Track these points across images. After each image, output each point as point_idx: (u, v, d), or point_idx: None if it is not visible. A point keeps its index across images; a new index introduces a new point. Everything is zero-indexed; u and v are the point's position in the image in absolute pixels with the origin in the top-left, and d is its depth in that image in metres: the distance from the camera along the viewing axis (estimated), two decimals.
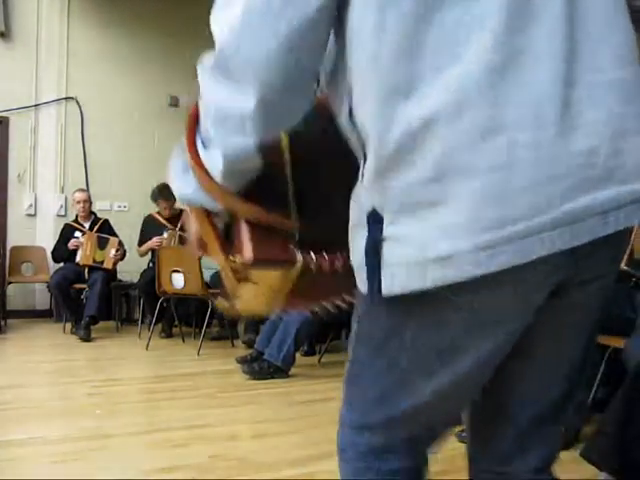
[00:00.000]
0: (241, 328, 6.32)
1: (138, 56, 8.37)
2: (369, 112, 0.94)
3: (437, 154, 0.89)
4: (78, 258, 6.73)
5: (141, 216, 7.09)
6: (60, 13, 8.04)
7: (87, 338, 6.18)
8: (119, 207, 8.20)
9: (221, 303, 1.25)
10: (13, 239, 7.74)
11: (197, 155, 1.09)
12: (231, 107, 1.00)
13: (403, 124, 0.90)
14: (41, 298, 7.84)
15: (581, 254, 0.94)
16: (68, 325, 6.68)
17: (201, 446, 3.07)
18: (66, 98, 8.09)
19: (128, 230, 7.27)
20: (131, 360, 5.48)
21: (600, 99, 0.93)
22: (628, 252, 3.05)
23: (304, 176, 1.14)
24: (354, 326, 1.14)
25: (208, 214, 1.16)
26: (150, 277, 6.21)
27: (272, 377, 4.59)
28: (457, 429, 3.22)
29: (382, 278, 0.97)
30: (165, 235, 6.59)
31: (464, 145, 0.88)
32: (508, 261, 0.89)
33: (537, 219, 0.88)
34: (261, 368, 4.60)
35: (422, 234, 0.92)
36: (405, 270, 0.94)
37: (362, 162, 1.00)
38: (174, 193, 1.19)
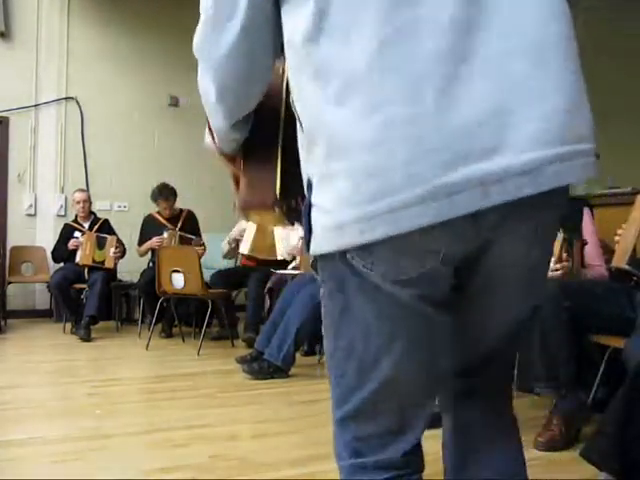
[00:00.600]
0: (241, 328, 6.32)
1: (138, 56, 8.37)
2: (292, 91, 1.11)
3: (330, 133, 0.99)
4: (78, 258, 6.73)
5: (141, 216, 7.09)
6: (60, 13, 8.04)
7: (87, 338, 6.18)
8: (119, 207, 8.21)
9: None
10: (13, 239, 7.74)
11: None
12: (205, 94, 1.27)
13: (310, 106, 1.04)
14: (41, 298, 7.84)
15: (486, 223, 0.98)
16: (68, 325, 6.68)
17: (201, 446, 3.07)
18: (66, 98, 8.09)
19: (128, 230, 7.28)
20: (131, 360, 5.48)
21: (494, 71, 0.94)
22: (630, 252, 3.05)
23: (289, 132, 1.27)
24: (323, 319, 1.18)
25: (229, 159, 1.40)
26: (150, 277, 6.21)
27: (272, 377, 4.58)
28: None
29: (313, 242, 1.08)
30: (165, 235, 6.58)
31: (350, 124, 0.96)
32: (385, 232, 0.95)
33: (410, 192, 0.93)
34: (261, 368, 4.60)
35: (326, 204, 1.02)
36: (320, 234, 1.05)
37: (301, 131, 1.12)
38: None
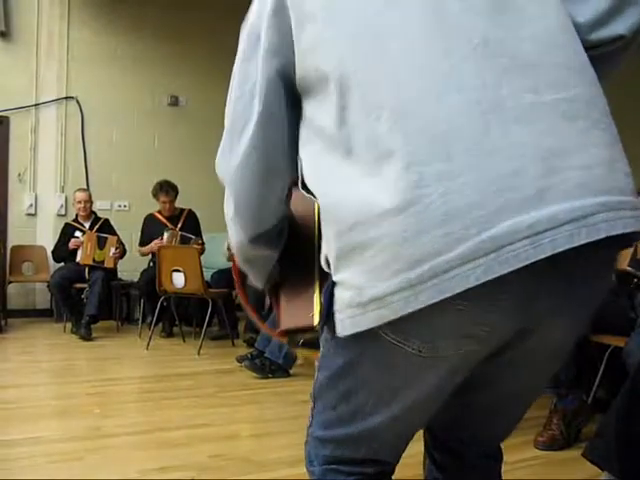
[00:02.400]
0: (241, 327, 6.32)
1: (138, 55, 8.37)
2: (308, 177, 1.11)
3: (356, 206, 0.96)
4: (78, 258, 6.73)
5: (141, 215, 7.08)
6: (60, 12, 8.03)
7: (88, 337, 6.17)
8: (119, 206, 8.20)
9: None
10: (13, 238, 7.74)
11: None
12: (225, 211, 1.24)
13: (332, 184, 1.02)
14: (41, 297, 7.83)
15: (538, 277, 0.91)
16: (68, 324, 6.67)
17: (201, 446, 3.07)
18: (66, 98, 8.08)
19: (129, 229, 7.27)
20: (131, 359, 5.48)
21: (530, 120, 0.91)
22: (632, 252, 3.05)
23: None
24: (321, 348, 1.18)
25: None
26: (150, 276, 6.21)
27: (273, 375, 4.58)
28: None
29: (335, 320, 1.02)
30: (165, 235, 6.58)
31: (380, 191, 0.92)
32: (430, 297, 0.89)
33: (452, 253, 0.87)
34: (263, 365, 4.60)
35: (355, 278, 0.96)
36: (349, 312, 0.98)
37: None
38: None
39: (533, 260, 0.86)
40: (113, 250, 6.69)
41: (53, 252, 7.05)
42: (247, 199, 1.17)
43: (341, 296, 1.00)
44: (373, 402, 1.09)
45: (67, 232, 6.97)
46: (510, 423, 1.30)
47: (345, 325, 1.00)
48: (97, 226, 6.96)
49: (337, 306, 1.01)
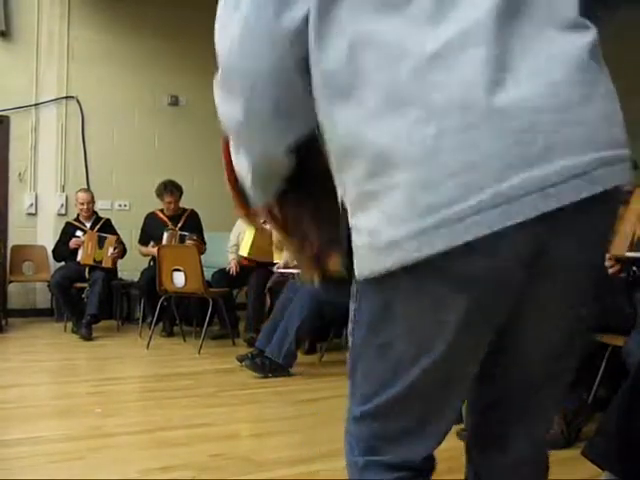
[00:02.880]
0: (242, 327, 6.32)
1: (138, 55, 8.37)
2: (320, 112, 1.06)
3: (374, 151, 0.97)
4: (79, 257, 6.73)
5: (142, 215, 7.08)
6: (60, 12, 8.04)
7: (88, 337, 6.18)
8: (120, 206, 8.20)
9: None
10: (14, 238, 7.74)
11: (229, 155, 1.25)
12: (230, 119, 1.13)
13: (346, 127, 1.01)
14: (42, 297, 7.83)
15: (542, 229, 0.96)
16: (69, 324, 6.68)
17: (202, 445, 3.07)
18: (66, 97, 8.08)
19: (129, 229, 7.26)
20: (132, 359, 5.48)
21: (541, 72, 0.95)
22: (630, 239, 3.05)
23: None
24: (351, 306, 1.18)
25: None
26: (151, 276, 6.21)
27: (273, 375, 4.58)
28: (458, 428, 3.22)
29: (354, 262, 1.06)
30: (165, 235, 6.58)
31: (398, 139, 0.95)
32: (444, 244, 0.93)
33: (466, 203, 0.92)
34: (263, 364, 4.59)
35: (371, 223, 1.00)
36: (367, 255, 1.02)
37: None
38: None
39: (543, 211, 0.92)
40: (111, 250, 6.69)
41: (53, 251, 7.05)
42: (297, 88, 1.07)
43: (358, 240, 1.04)
44: (410, 351, 1.08)
45: (68, 231, 6.97)
46: (554, 397, 1.28)
47: (363, 269, 1.04)
48: (98, 226, 6.96)
49: (355, 250, 1.05)
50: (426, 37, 0.95)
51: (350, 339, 1.20)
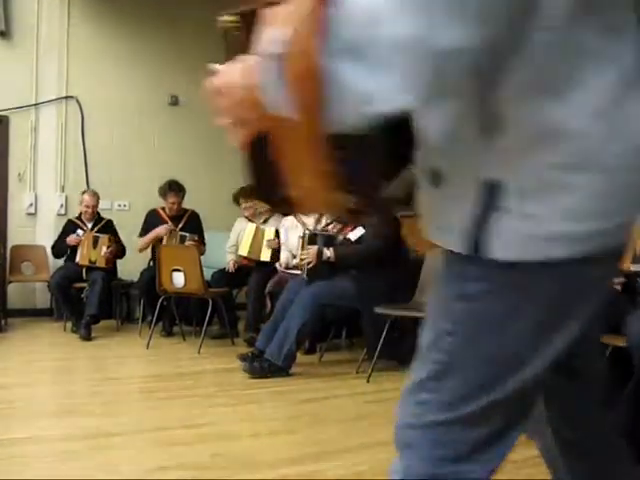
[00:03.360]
0: (241, 327, 6.32)
1: (138, 55, 8.37)
2: (517, 96, 0.95)
3: (578, 147, 0.95)
4: (77, 258, 6.73)
5: (142, 215, 7.06)
6: (60, 12, 8.03)
7: (87, 337, 6.18)
8: (119, 206, 8.20)
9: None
10: (13, 238, 7.74)
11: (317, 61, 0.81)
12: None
13: (550, 114, 0.94)
14: (41, 297, 7.83)
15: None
16: (68, 324, 6.68)
17: (202, 445, 3.07)
18: (66, 97, 8.09)
19: (129, 229, 7.25)
20: (132, 359, 5.48)
21: None
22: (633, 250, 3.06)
23: None
24: (456, 310, 1.08)
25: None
26: (150, 276, 6.21)
27: (273, 376, 4.58)
28: None
29: (495, 246, 1.00)
30: (164, 229, 6.61)
31: (601, 142, 0.95)
32: (598, 248, 0.99)
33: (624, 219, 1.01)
34: (262, 367, 4.60)
35: (545, 213, 0.97)
36: (520, 241, 0.99)
37: (489, 134, 0.98)
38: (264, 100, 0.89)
39: None
40: (105, 249, 6.68)
41: (52, 247, 7.05)
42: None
43: (511, 224, 0.99)
44: (528, 351, 1.06)
45: (68, 229, 6.97)
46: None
47: (511, 251, 1.00)
48: (98, 227, 6.95)
49: (502, 232, 0.99)
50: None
51: (447, 339, 1.09)
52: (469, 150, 1.00)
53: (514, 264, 0.99)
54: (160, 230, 6.67)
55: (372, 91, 0.80)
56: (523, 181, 0.97)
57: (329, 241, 5.13)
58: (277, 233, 6.34)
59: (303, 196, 0.97)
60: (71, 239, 6.77)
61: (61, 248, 6.91)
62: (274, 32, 0.84)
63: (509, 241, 0.99)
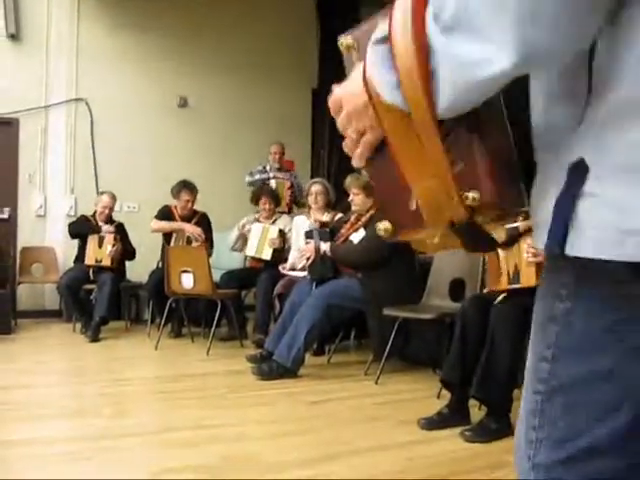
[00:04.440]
0: (250, 328, 6.33)
1: (147, 57, 8.39)
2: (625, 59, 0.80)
3: None
4: (85, 259, 6.74)
5: (150, 217, 7.04)
6: (70, 15, 8.07)
7: (96, 338, 6.19)
8: (129, 208, 8.22)
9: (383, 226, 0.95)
10: (23, 240, 7.78)
11: (424, 37, 0.81)
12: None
13: None
14: (51, 298, 7.86)
15: None
16: (78, 325, 6.70)
17: (211, 446, 3.07)
18: (76, 99, 8.12)
19: (138, 231, 7.26)
20: (140, 360, 5.49)
21: None
22: None
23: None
24: (549, 334, 0.95)
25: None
26: (158, 278, 6.22)
27: (281, 378, 4.58)
28: (463, 429, 3.22)
29: (582, 242, 0.84)
30: (174, 236, 6.60)
31: None
32: None
33: None
34: (270, 369, 4.59)
35: (632, 200, 0.80)
36: (603, 234, 0.82)
37: (580, 105, 0.85)
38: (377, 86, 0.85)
39: None
40: (110, 248, 6.70)
41: (70, 224, 7.08)
42: None
43: (605, 214, 0.81)
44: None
45: (81, 221, 7.06)
46: None
47: (589, 245, 0.83)
48: (107, 230, 6.94)
49: (593, 222, 0.83)
50: None
51: (544, 366, 0.95)
52: (559, 128, 0.88)
53: (607, 264, 0.82)
54: (187, 227, 6.68)
55: (479, 56, 0.77)
56: (610, 160, 0.82)
57: (325, 236, 5.13)
58: (281, 233, 6.36)
59: (427, 201, 0.87)
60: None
61: (79, 227, 6.96)
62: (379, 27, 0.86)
63: (597, 236, 0.82)
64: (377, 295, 4.66)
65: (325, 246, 4.99)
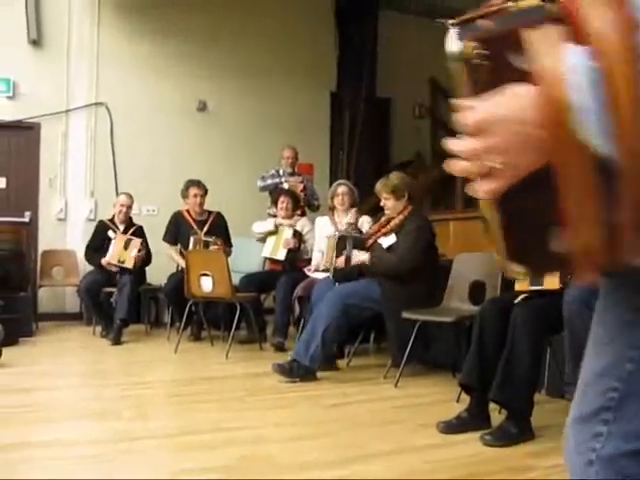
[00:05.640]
0: (269, 331, 6.33)
1: (166, 62, 8.44)
2: None
3: None
4: (107, 256, 6.75)
5: None
6: (90, 21, 8.15)
7: (118, 341, 6.23)
8: (148, 211, 8.27)
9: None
10: (44, 243, 7.85)
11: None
12: None
13: None
14: (71, 301, 7.93)
15: None
16: (98, 328, 6.74)
17: (230, 448, 3.07)
18: (96, 104, 8.19)
19: (157, 234, 7.28)
20: (160, 363, 5.51)
21: None
22: None
23: None
24: (636, 336, 0.93)
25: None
26: (176, 282, 6.24)
27: (301, 380, 4.54)
28: (482, 433, 3.20)
29: None
30: (192, 240, 6.61)
31: None
32: None
33: None
34: (291, 368, 4.55)
35: None
36: None
37: None
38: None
39: None
40: (135, 251, 6.72)
41: (86, 252, 7.04)
42: None
43: None
44: None
45: (100, 231, 7.04)
46: None
47: None
48: (130, 231, 6.98)
49: None
50: None
51: (628, 366, 0.94)
52: None
53: None
54: (180, 261, 6.64)
55: None
56: None
57: (359, 242, 5.12)
58: (296, 233, 6.36)
59: (583, 249, 0.75)
60: (104, 261, 6.78)
61: (94, 257, 6.92)
62: (572, 49, 0.68)
63: None
64: (397, 298, 4.63)
65: (365, 257, 4.92)
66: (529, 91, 0.71)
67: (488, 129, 0.74)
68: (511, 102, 0.73)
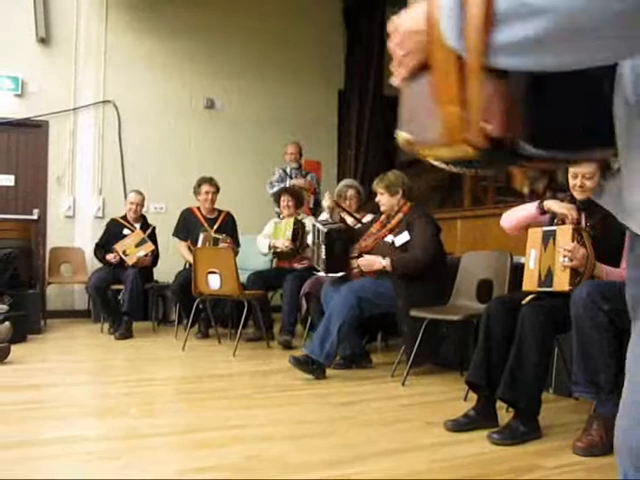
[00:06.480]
0: (277, 329, 6.33)
1: (174, 59, 8.46)
2: None
3: None
4: (117, 245, 6.75)
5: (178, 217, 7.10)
6: (98, 18, 8.17)
7: (127, 335, 6.31)
8: (156, 208, 8.28)
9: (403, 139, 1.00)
10: (52, 240, 7.87)
11: None
12: None
13: None
14: (79, 298, 7.96)
15: None
16: (106, 325, 6.76)
17: (237, 446, 3.07)
18: (104, 101, 8.20)
19: (165, 232, 7.30)
20: (167, 360, 5.52)
21: None
22: None
23: None
24: None
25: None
26: (184, 279, 6.26)
27: (313, 376, 4.53)
28: (490, 431, 3.19)
29: None
30: (201, 237, 6.61)
31: None
32: None
33: None
34: (306, 361, 4.54)
35: None
36: None
37: None
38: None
39: None
40: (142, 253, 6.72)
41: (96, 249, 7.03)
42: None
43: None
44: None
45: (111, 229, 7.03)
46: None
47: None
48: (147, 232, 6.98)
49: None
50: None
51: None
52: None
53: None
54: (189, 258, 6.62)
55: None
56: None
57: (345, 235, 5.08)
58: (297, 221, 6.32)
59: (450, 122, 0.88)
60: (110, 257, 6.79)
61: (101, 254, 6.92)
62: None
63: None
64: (411, 296, 4.62)
65: (385, 262, 4.86)
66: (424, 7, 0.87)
67: (399, 38, 0.93)
68: (415, 12, 0.91)
